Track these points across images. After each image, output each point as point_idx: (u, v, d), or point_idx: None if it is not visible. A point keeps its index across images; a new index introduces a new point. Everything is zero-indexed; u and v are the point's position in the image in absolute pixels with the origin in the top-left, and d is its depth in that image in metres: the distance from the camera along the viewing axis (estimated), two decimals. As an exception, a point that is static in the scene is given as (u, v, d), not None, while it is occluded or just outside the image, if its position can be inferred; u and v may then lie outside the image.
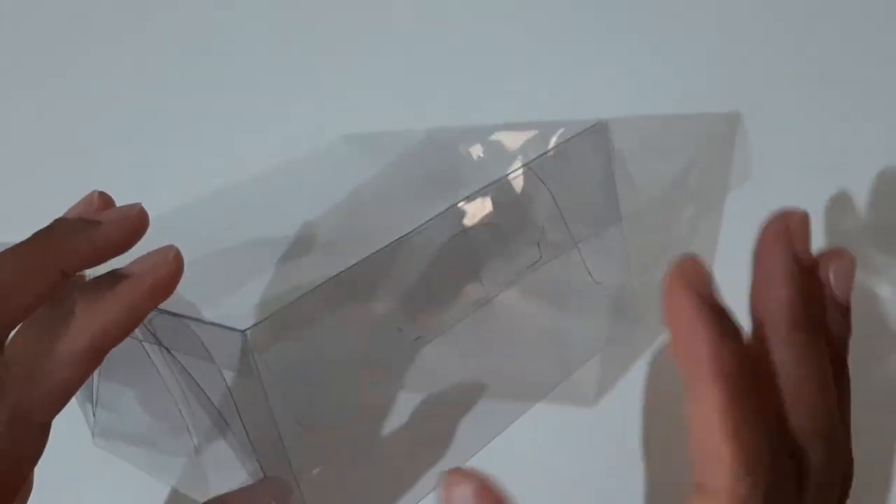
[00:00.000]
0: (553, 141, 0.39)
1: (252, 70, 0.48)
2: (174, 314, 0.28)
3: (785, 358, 0.24)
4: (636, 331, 0.39)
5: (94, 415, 0.38)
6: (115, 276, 0.28)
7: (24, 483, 0.27)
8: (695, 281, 0.23)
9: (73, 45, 0.50)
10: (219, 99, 0.49)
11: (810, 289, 0.25)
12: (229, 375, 0.27)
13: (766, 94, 0.40)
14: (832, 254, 0.26)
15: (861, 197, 0.39)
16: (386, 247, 0.29)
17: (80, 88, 0.50)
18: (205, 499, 0.33)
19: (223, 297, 0.31)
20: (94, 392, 0.37)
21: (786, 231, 0.25)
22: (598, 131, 0.37)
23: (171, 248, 0.28)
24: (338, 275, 0.27)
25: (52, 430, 0.28)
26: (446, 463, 0.32)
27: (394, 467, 0.32)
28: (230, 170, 0.46)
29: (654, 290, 0.40)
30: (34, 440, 0.27)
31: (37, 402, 0.26)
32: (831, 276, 0.26)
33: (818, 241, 0.37)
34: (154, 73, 0.49)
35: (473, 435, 0.32)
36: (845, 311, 0.26)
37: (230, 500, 0.32)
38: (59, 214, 0.30)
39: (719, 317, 0.23)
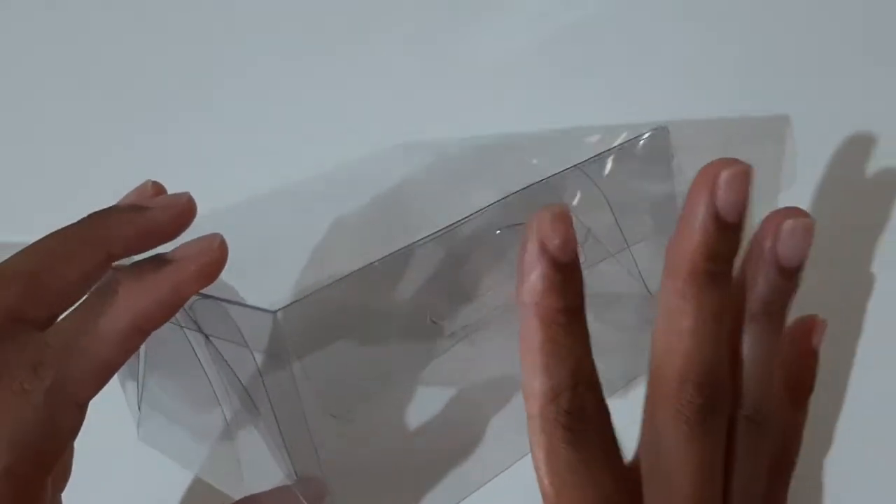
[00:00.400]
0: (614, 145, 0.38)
1: (309, 75, 0.48)
2: (209, 297, 0.27)
3: (674, 308, 0.25)
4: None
5: (139, 408, 0.38)
6: (159, 260, 0.28)
7: (58, 460, 0.27)
8: (544, 232, 0.25)
9: (126, 46, 0.51)
10: (276, 106, 0.49)
11: (726, 245, 0.25)
12: (263, 362, 0.27)
13: (815, 97, 0.39)
14: (786, 213, 0.26)
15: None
16: (423, 238, 0.28)
17: (131, 98, 0.51)
18: (240, 496, 0.33)
19: (263, 286, 0.31)
20: (139, 387, 0.37)
21: (712, 182, 0.25)
22: (659, 136, 0.36)
23: (216, 235, 0.28)
24: (373, 263, 0.27)
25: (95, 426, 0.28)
26: (478, 464, 0.31)
27: (424, 465, 0.31)
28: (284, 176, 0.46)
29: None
30: (71, 418, 0.27)
31: (77, 380, 0.26)
32: (780, 233, 0.25)
33: (864, 245, 0.35)
34: (211, 78, 0.49)
35: (506, 442, 0.31)
36: (789, 272, 0.26)
37: (262, 500, 0.32)
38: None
39: (554, 269, 0.25)
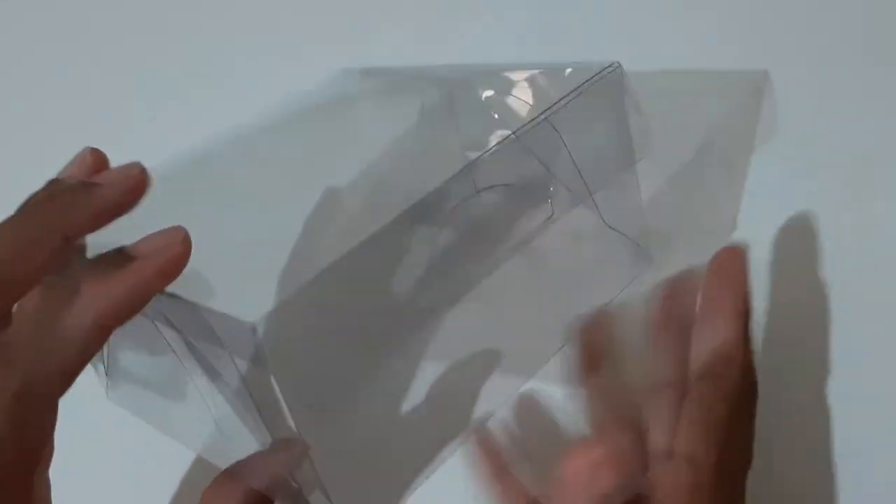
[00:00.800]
0: (566, 83, 0.38)
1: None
2: (184, 300, 0.27)
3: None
4: (652, 274, 0.39)
5: (107, 374, 0.38)
6: (122, 255, 0.27)
7: (38, 456, 0.27)
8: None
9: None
10: (218, 32, 0.47)
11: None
12: (240, 360, 0.27)
13: (794, 53, 0.40)
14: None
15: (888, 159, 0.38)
16: (395, 221, 0.28)
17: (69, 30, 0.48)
18: (218, 458, 0.34)
19: (230, 270, 0.31)
20: (105, 355, 0.37)
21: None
22: (613, 74, 0.36)
23: (179, 229, 0.27)
24: (347, 254, 0.27)
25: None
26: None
27: (407, 441, 0.32)
28: (229, 106, 0.45)
29: (670, 236, 0.39)
30: (44, 416, 0.26)
31: (44, 380, 0.26)
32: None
33: (845, 206, 0.37)
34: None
35: (490, 397, 0.32)
36: None
37: (248, 465, 0.33)
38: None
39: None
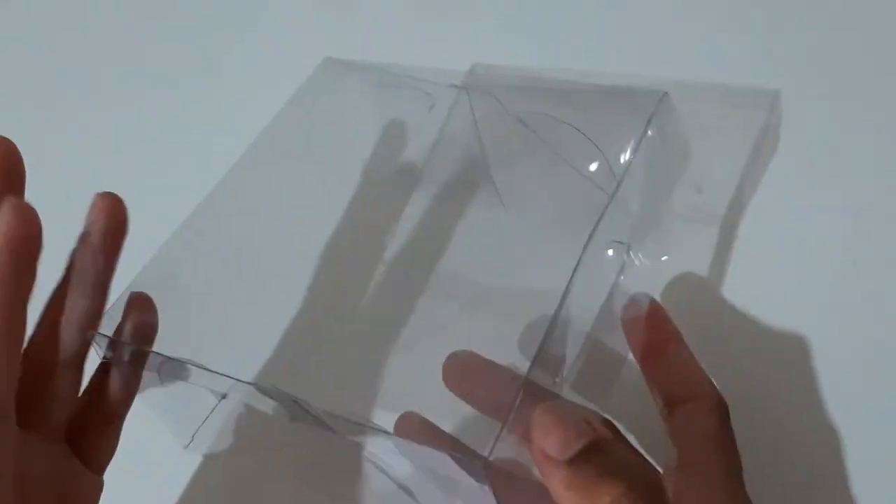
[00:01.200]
0: (609, 105, 0.38)
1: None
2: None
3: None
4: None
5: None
6: None
7: None
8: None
9: None
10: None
11: None
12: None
13: (806, 71, 0.41)
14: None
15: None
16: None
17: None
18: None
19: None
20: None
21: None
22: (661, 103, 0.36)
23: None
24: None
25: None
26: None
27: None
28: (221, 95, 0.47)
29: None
30: None
31: None
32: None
33: (851, 228, 0.38)
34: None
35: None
36: None
37: None
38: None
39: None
